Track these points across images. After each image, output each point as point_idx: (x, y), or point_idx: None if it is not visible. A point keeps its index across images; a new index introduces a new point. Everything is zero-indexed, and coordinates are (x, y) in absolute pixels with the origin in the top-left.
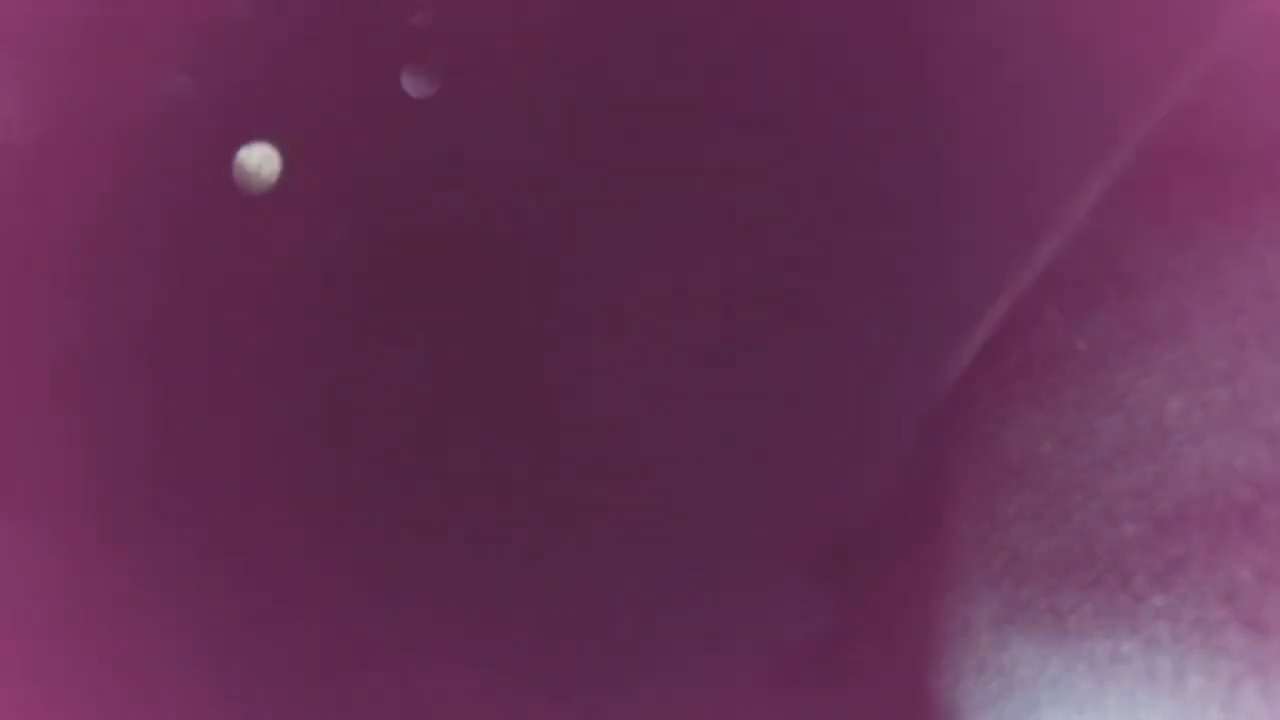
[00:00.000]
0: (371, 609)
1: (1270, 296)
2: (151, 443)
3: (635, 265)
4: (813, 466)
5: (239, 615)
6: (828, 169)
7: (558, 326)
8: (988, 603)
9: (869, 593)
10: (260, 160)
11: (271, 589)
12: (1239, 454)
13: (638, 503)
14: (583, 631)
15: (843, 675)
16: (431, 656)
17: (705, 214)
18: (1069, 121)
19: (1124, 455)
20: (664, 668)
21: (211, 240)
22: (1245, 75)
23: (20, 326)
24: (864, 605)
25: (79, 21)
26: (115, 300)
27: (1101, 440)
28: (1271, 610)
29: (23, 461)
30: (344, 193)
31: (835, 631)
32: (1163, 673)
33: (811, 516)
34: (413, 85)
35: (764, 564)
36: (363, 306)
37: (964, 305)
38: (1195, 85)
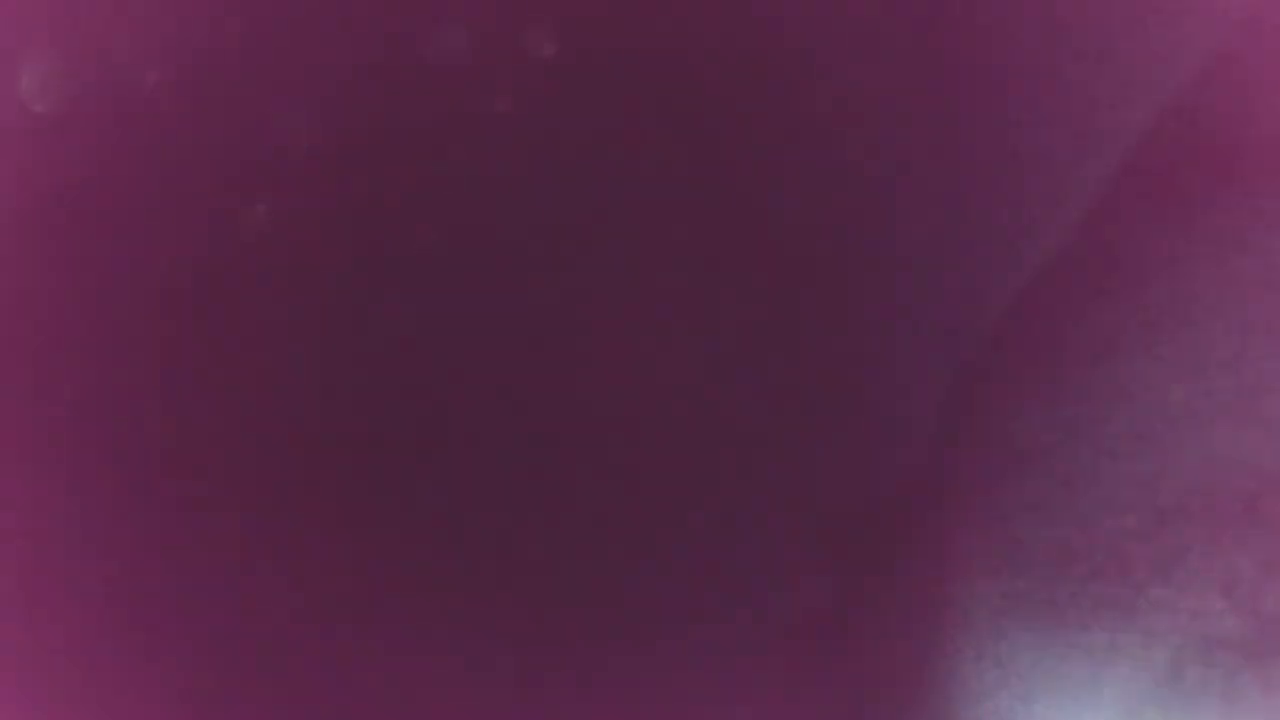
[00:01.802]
0: (376, 608)
1: (1276, 285)
2: (146, 429)
3: (652, 252)
4: (815, 454)
5: (233, 613)
6: (835, 162)
7: (571, 310)
8: (986, 593)
9: (869, 580)
10: None
11: (266, 586)
12: (1242, 443)
13: (641, 491)
14: (588, 615)
15: (841, 661)
16: (437, 656)
17: (718, 208)
18: (1072, 111)
19: (1127, 444)
20: (659, 651)
21: (221, 209)
22: (1252, 62)
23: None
24: (863, 592)
25: None
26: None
27: (1105, 429)
28: (1271, 601)
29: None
30: (362, 165)
31: (834, 617)
32: (1160, 664)
33: (813, 503)
34: (437, 46)
35: (764, 550)
36: (376, 286)
37: (968, 295)
38: (1201, 72)
